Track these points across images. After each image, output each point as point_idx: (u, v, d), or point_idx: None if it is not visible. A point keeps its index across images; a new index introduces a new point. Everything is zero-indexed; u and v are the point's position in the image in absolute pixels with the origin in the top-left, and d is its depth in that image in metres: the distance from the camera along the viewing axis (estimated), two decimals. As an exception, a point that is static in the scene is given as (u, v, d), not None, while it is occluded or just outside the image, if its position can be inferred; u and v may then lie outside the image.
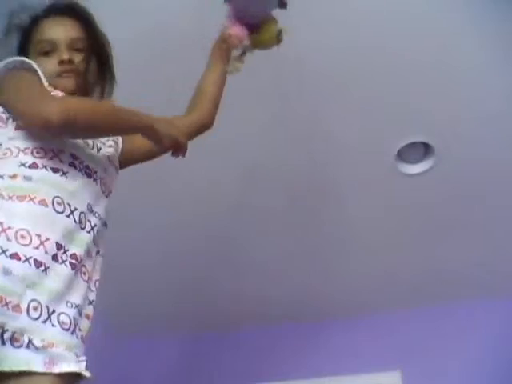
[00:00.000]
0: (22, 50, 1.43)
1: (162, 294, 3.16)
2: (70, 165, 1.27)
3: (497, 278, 3.10)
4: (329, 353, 3.29)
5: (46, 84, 1.31)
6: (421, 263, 3.02)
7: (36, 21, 1.44)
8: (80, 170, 1.29)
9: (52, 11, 1.45)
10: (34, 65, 1.33)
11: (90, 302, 1.26)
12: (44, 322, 1.11)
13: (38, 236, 1.15)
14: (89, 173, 1.31)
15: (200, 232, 2.77)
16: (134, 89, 1.89)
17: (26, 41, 1.43)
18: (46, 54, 1.39)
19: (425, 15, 1.98)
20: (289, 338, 3.36)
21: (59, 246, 1.17)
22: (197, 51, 1.69)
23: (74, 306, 1.18)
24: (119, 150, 1.50)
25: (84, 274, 1.23)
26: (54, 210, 1.19)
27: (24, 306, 1.09)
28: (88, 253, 1.25)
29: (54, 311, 1.13)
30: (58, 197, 1.21)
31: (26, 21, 1.45)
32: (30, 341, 1.08)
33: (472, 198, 2.65)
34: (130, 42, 1.92)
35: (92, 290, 1.27)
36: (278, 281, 3.10)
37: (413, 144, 2.44)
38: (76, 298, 1.19)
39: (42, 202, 1.18)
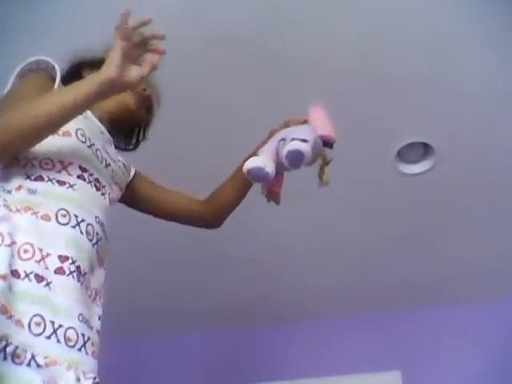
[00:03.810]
0: None
1: (163, 292, 3.17)
2: (78, 177, 1.25)
3: (497, 278, 3.10)
4: (329, 352, 3.30)
5: (56, 87, 1.31)
6: (420, 263, 3.02)
7: None
8: (89, 182, 1.27)
9: None
10: (52, 61, 1.33)
11: (99, 317, 1.23)
12: (48, 337, 1.07)
13: (41, 250, 1.12)
14: (98, 186, 1.29)
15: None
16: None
17: None
18: None
19: (425, 15, 1.98)
20: (288, 337, 3.36)
21: (64, 258, 1.14)
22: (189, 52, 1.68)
23: (84, 320, 1.15)
24: (129, 177, 1.50)
25: (87, 288, 1.20)
26: (58, 222, 1.17)
27: (26, 321, 1.05)
28: (92, 266, 1.22)
29: (60, 326, 1.09)
30: (63, 209, 1.18)
31: None
32: (32, 357, 1.03)
33: (472, 197, 2.65)
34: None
35: (98, 305, 1.24)
36: (277, 280, 3.11)
37: (412, 144, 2.44)
38: (85, 311, 1.16)
39: (45, 217, 1.16)
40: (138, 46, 1.18)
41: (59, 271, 1.13)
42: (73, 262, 1.15)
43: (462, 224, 2.79)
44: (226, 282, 3.10)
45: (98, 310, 1.23)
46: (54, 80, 1.33)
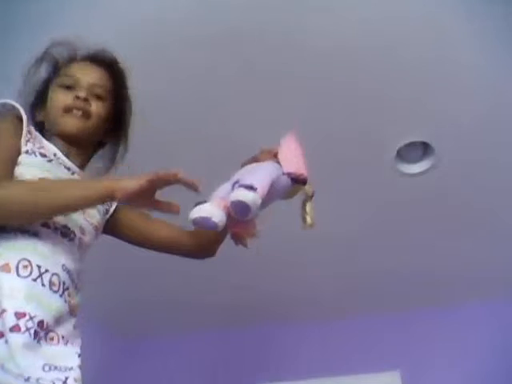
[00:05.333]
0: (48, 81, 1.44)
1: (163, 292, 3.17)
2: (42, 225, 1.21)
3: (497, 279, 3.11)
4: (329, 353, 3.30)
5: (24, 130, 1.28)
6: (421, 263, 3.02)
7: (72, 59, 1.45)
8: (54, 230, 1.23)
9: (90, 57, 1.46)
10: (16, 105, 1.31)
11: (79, 355, 1.19)
12: (27, 380, 1.06)
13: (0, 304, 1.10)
14: (65, 232, 1.25)
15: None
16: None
17: (54, 73, 1.44)
18: (66, 87, 1.38)
19: (425, 15, 1.98)
20: (288, 337, 3.37)
21: (21, 315, 1.10)
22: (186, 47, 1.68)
23: (52, 367, 1.12)
24: (109, 212, 1.44)
25: (52, 339, 1.15)
26: (18, 274, 1.13)
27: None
28: (59, 317, 1.17)
29: (29, 378, 1.07)
30: (25, 259, 1.15)
31: (62, 55, 1.46)
32: None
33: (471, 197, 2.66)
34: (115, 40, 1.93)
35: (74, 345, 1.20)
36: (277, 280, 3.11)
37: (412, 143, 2.44)
38: (51, 359, 1.13)
39: (5, 268, 1.12)
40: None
41: (15, 329, 1.09)
42: (31, 318, 1.11)
43: (461, 224, 2.80)
44: (226, 282, 3.10)
45: (74, 349, 1.20)
46: (21, 119, 1.29)
